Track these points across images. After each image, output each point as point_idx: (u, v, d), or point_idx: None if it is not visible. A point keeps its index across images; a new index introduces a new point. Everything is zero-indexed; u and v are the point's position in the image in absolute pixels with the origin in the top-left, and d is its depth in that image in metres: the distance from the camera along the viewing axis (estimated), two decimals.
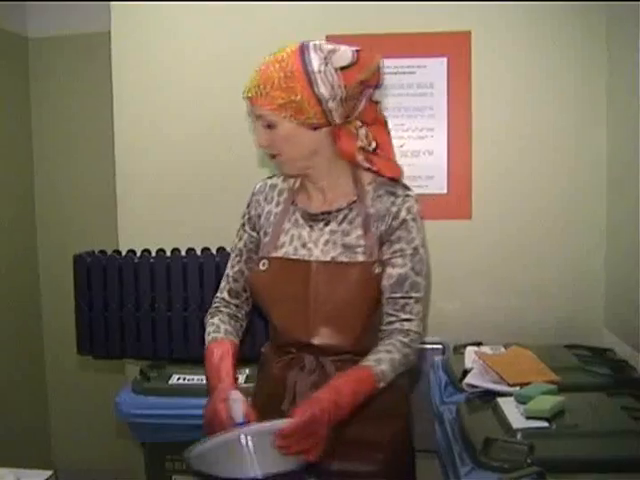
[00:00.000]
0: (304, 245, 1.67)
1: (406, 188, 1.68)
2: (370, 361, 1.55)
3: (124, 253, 2.64)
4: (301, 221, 1.69)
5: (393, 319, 1.62)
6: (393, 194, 1.64)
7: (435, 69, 2.67)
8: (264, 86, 1.52)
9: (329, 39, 2.21)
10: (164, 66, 2.83)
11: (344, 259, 1.62)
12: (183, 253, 2.59)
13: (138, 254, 2.62)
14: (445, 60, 2.67)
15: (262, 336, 2.20)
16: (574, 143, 2.64)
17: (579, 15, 2.61)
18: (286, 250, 1.68)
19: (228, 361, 1.64)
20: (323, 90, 1.51)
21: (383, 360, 1.54)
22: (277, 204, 1.73)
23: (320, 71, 1.51)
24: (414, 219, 1.62)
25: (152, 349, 2.55)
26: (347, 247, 1.63)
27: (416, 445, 1.82)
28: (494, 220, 2.70)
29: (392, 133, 1.73)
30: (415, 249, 1.61)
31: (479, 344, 2.42)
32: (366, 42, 1.80)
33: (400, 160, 1.73)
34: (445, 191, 2.70)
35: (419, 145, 2.70)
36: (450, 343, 2.59)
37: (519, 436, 1.62)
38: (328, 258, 1.63)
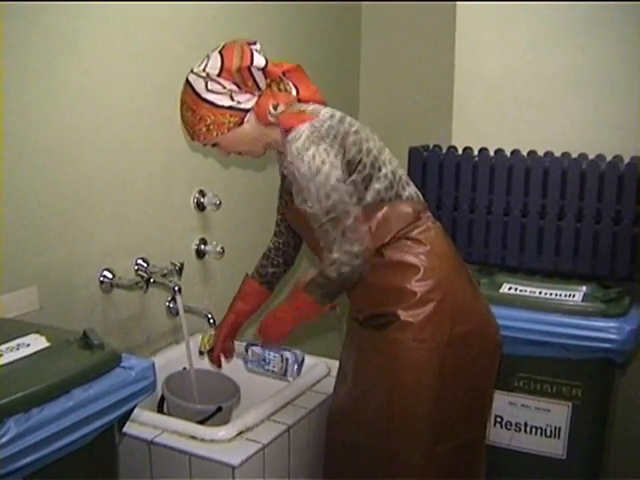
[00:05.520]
0: None
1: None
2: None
3: (460, 150, 2.49)
4: None
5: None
6: (287, 143, 1.69)
7: None
8: (188, 128, 1.77)
9: None
10: None
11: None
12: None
13: (475, 152, 2.46)
14: None
15: None
16: None
17: None
18: None
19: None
20: (221, 100, 1.70)
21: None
22: None
23: (209, 90, 1.69)
24: (298, 155, 1.64)
25: (483, 254, 2.42)
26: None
27: None
28: None
29: None
30: (306, 184, 1.64)
31: None
32: None
33: None
34: None
35: None
36: None
37: None
38: None
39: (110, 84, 2.04)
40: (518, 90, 2.61)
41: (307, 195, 1.65)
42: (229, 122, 1.72)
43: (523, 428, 2.30)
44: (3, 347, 1.42)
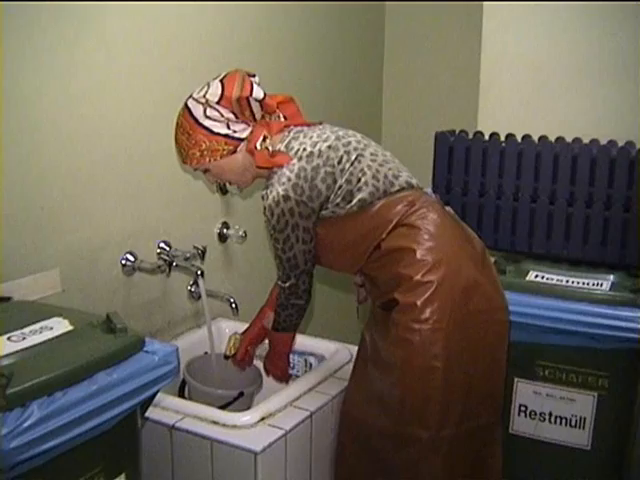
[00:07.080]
0: None
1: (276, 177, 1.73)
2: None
3: (486, 135, 2.45)
4: None
5: None
6: (265, 190, 1.76)
7: None
8: (181, 151, 1.80)
9: None
10: None
11: None
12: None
13: (501, 138, 2.41)
14: None
15: None
16: None
17: None
18: None
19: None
20: (218, 128, 1.74)
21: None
22: None
23: (207, 116, 1.73)
24: (270, 213, 1.72)
25: (510, 241, 2.38)
26: None
27: None
28: None
29: None
30: (274, 236, 1.75)
31: None
32: None
33: None
34: None
35: None
36: None
37: None
38: None
39: (132, 64, 2.02)
40: (545, 75, 2.56)
41: (272, 239, 1.78)
42: (223, 149, 1.76)
43: (548, 418, 2.27)
44: (27, 330, 1.41)
